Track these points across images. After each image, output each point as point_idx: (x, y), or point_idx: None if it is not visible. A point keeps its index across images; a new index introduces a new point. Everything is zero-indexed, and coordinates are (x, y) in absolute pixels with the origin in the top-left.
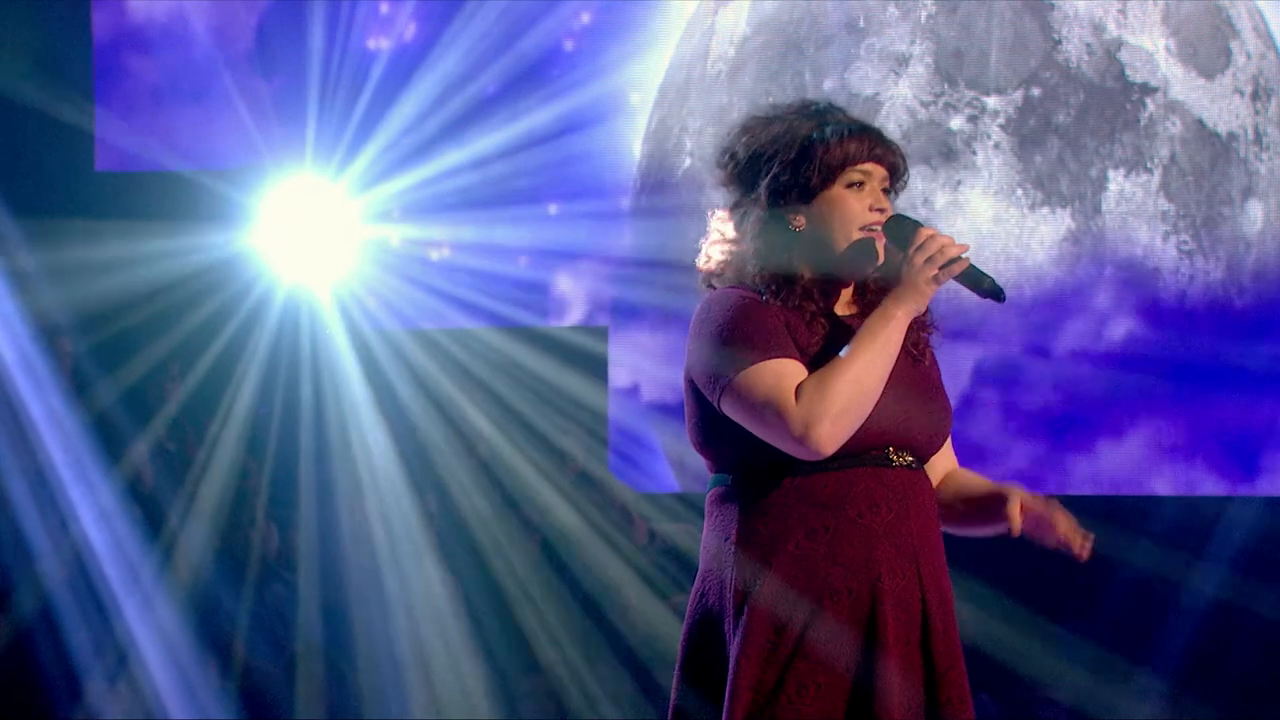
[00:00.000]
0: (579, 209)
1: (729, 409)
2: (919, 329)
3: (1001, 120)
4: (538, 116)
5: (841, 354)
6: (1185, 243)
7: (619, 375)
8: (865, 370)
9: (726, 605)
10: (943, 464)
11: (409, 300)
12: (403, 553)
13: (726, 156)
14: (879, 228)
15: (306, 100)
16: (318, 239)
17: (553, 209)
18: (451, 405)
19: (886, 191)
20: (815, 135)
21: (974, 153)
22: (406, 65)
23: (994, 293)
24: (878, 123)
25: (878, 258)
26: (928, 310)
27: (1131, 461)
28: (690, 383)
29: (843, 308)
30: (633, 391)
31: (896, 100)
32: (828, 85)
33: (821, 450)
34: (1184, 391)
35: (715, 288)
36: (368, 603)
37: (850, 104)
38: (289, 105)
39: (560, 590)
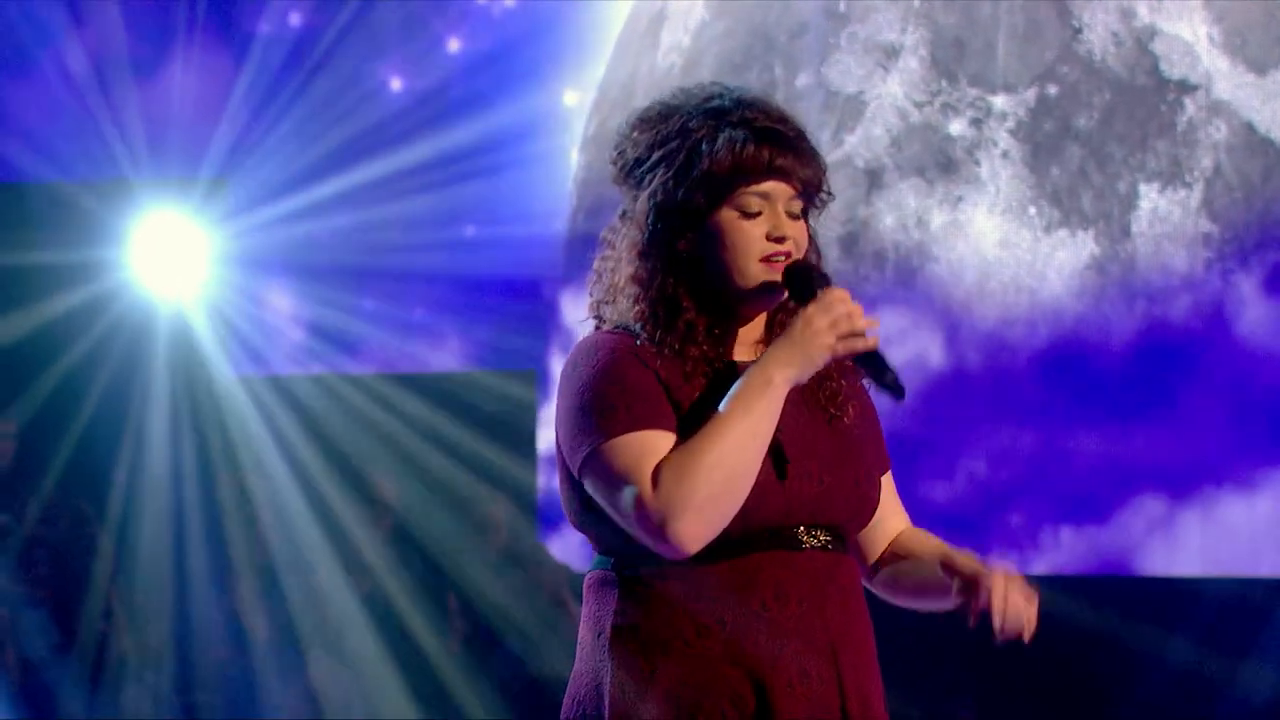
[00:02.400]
0: (503, 232)
1: (588, 484)
2: (834, 377)
3: (1011, 124)
4: (452, 122)
5: (707, 428)
6: (1232, 271)
7: (549, 430)
8: (733, 451)
9: (603, 715)
10: (891, 525)
11: (290, 340)
12: (284, 648)
13: (617, 150)
14: (781, 259)
15: (184, 109)
16: (185, 268)
17: (470, 231)
18: (351, 465)
19: (796, 216)
20: (705, 143)
21: (978, 163)
22: (296, 61)
23: (894, 389)
24: (862, 126)
25: (779, 291)
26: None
27: (1160, 542)
28: (558, 447)
29: (744, 352)
30: None
31: (885, 100)
32: (802, 81)
33: (684, 548)
34: (1234, 453)
35: (600, 320)
36: (239, 705)
37: (829, 103)
38: (159, 115)
39: (485, 690)
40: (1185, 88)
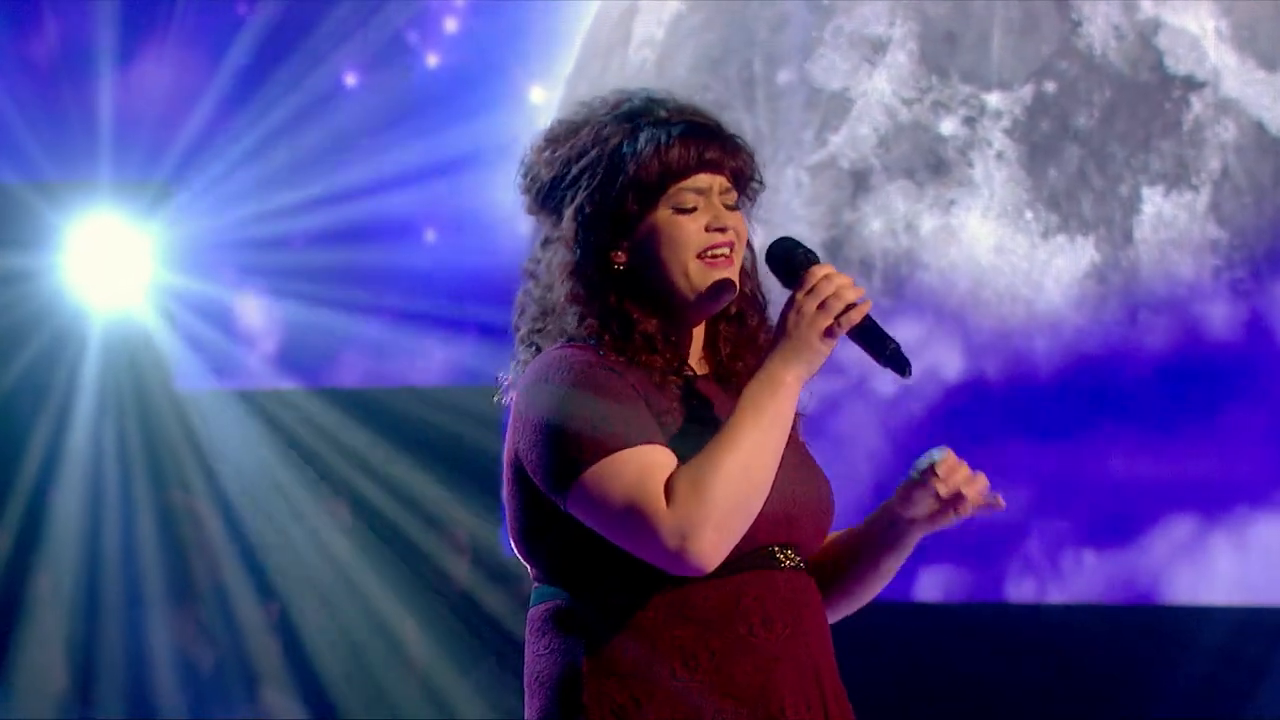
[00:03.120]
0: (466, 238)
1: (579, 512)
2: None
3: (1006, 123)
4: (411, 119)
5: (721, 436)
6: (1242, 282)
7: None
8: (754, 457)
9: None
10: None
11: (240, 353)
12: (232, 681)
13: (528, 176)
14: (725, 251)
15: (146, 108)
16: (125, 275)
17: (430, 236)
18: (306, 487)
19: (733, 207)
20: (625, 147)
21: (971, 164)
22: (254, 58)
23: (896, 362)
24: (847, 125)
25: (730, 289)
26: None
27: (1175, 571)
28: (515, 470)
29: (693, 364)
30: None
31: (871, 97)
32: (784, 78)
33: (704, 565)
34: (1245, 481)
35: (537, 347)
36: None
37: (813, 100)
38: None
39: None
40: (1191, 84)
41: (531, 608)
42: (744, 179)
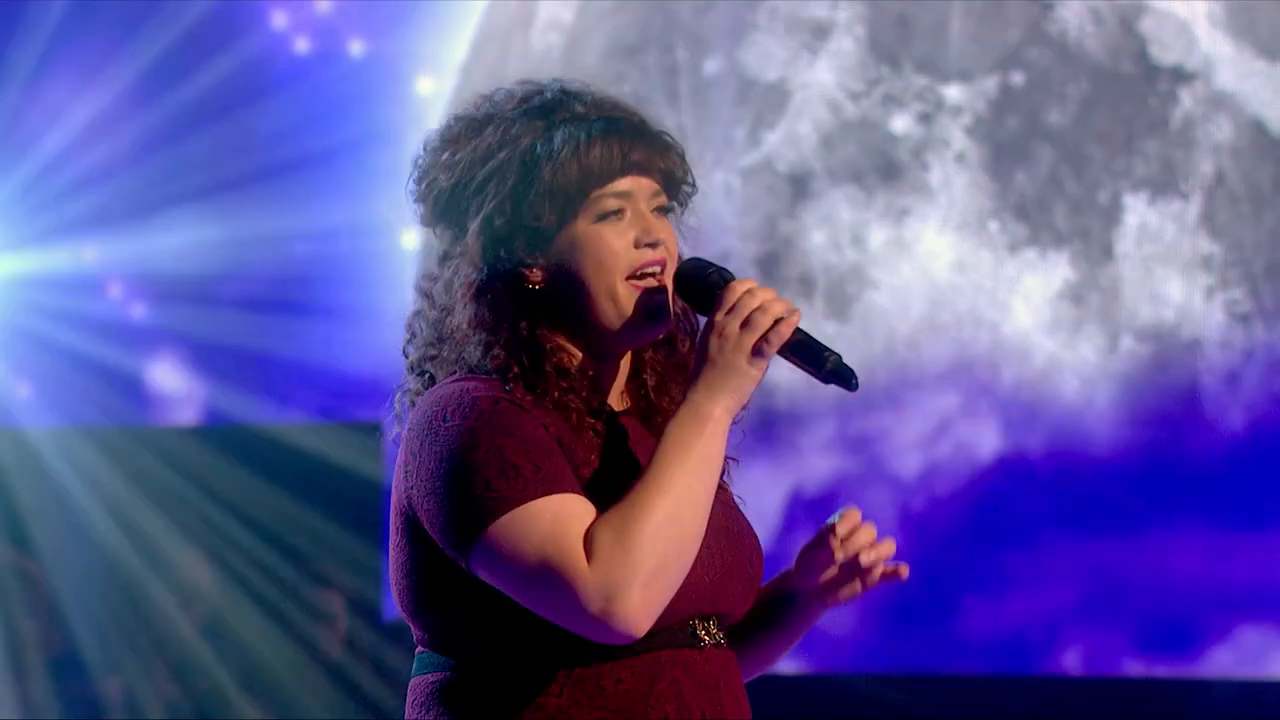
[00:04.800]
0: (341, 245)
1: (485, 572)
2: None
3: (967, 120)
4: (274, 118)
5: (645, 481)
6: (1237, 302)
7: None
8: (683, 504)
9: None
10: None
11: (73, 387)
12: None
13: (424, 183)
14: (657, 270)
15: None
16: None
17: (299, 248)
18: (153, 538)
19: (663, 210)
20: (539, 147)
21: (927, 168)
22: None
23: (840, 375)
24: (784, 121)
25: (665, 315)
26: None
27: (1161, 636)
28: (406, 519)
29: (617, 400)
30: None
31: (812, 90)
32: (711, 67)
33: (631, 630)
34: (1241, 529)
35: (428, 381)
36: None
37: (745, 92)
38: None
39: None
40: (1180, 76)
41: (414, 676)
42: (674, 182)
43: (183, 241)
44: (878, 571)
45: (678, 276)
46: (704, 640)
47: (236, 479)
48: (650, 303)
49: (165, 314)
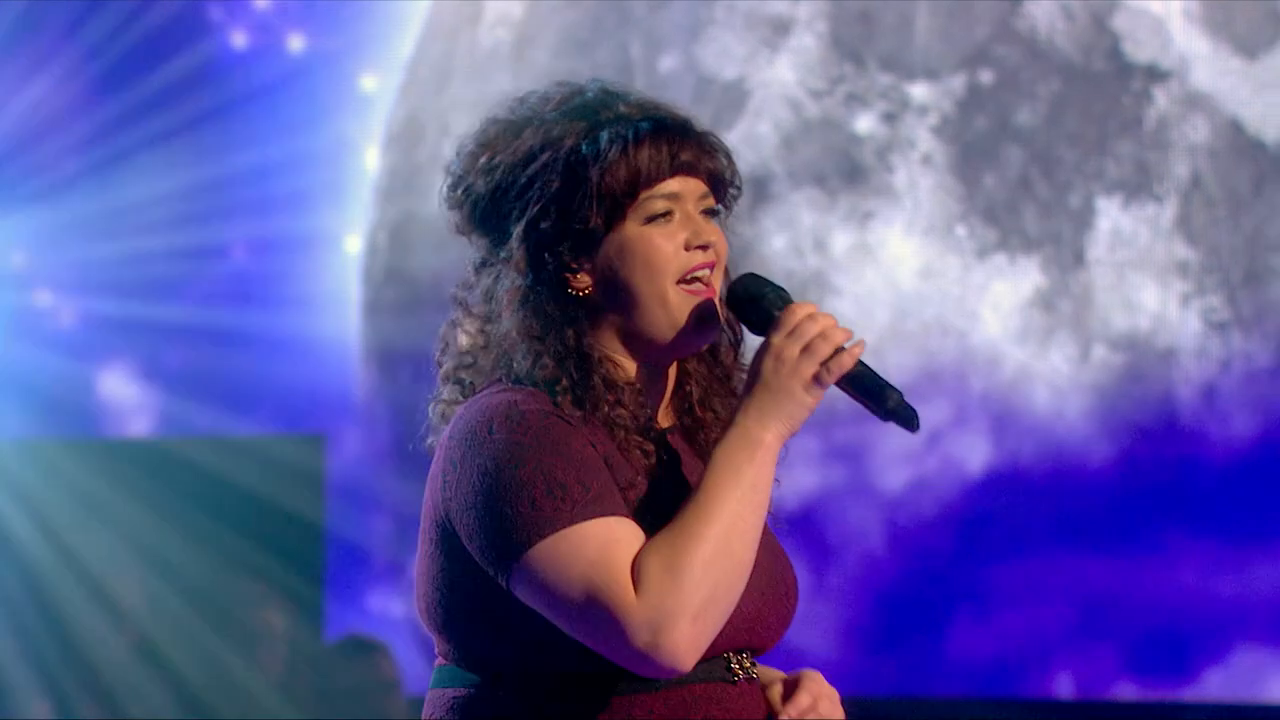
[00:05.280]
0: (281, 253)
1: (525, 593)
2: None
3: (934, 120)
4: (213, 110)
5: (694, 507)
6: (1214, 310)
7: (342, 506)
8: (733, 533)
9: None
10: None
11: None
12: None
13: (459, 189)
14: (706, 274)
15: None
16: None
17: (238, 255)
18: (82, 558)
19: (712, 213)
20: (585, 148)
21: (891, 170)
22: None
23: (901, 415)
24: (743, 121)
25: (715, 322)
26: None
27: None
28: (442, 530)
29: (661, 414)
30: (365, 525)
31: (772, 88)
32: (667, 64)
33: (679, 665)
34: (1214, 551)
35: (467, 390)
36: None
37: (702, 92)
38: None
39: None
40: (1155, 75)
41: (433, 689)
42: (721, 183)
43: (121, 249)
44: None
45: (732, 291)
46: (738, 675)
47: (172, 493)
48: (701, 309)
49: (101, 324)
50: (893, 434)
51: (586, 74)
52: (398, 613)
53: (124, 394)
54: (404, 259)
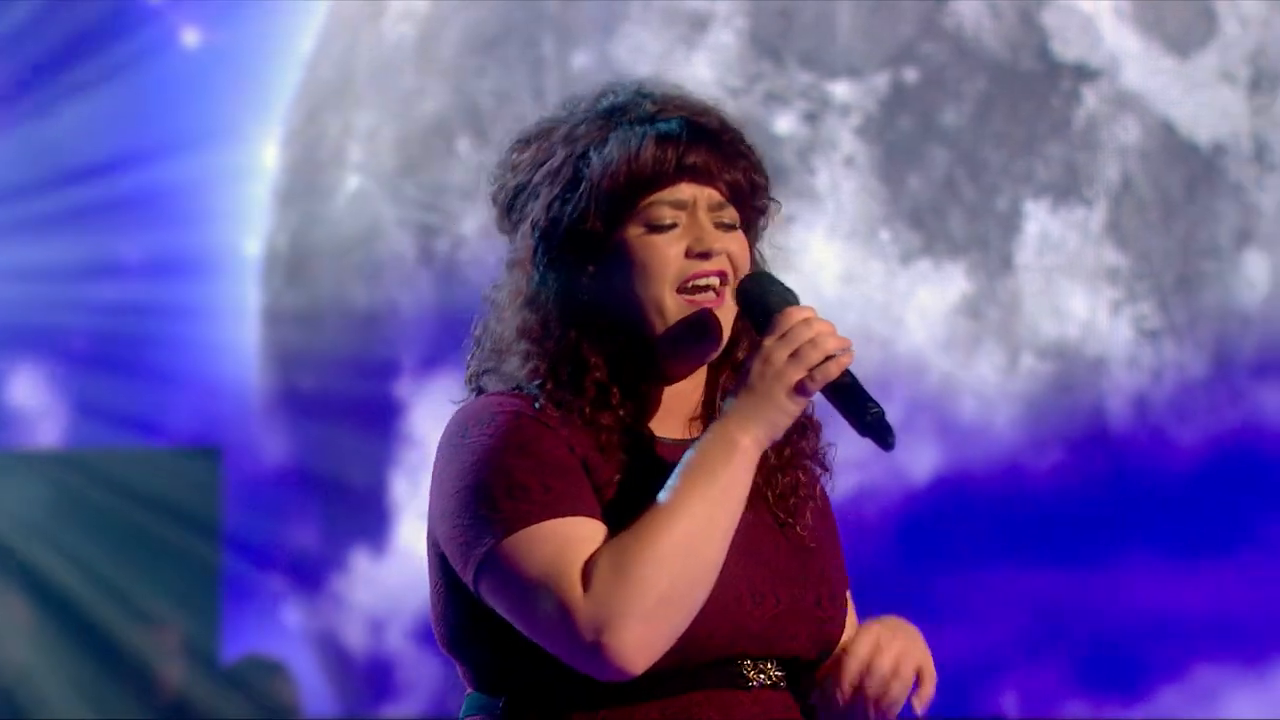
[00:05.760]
0: (173, 259)
1: (489, 594)
2: (788, 469)
3: (857, 120)
4: (107, 109)
5: (657, 507)
6: (1145, 317)
7: (239, 521)
8: (698, 536)
9: None
10: None
11: None
12: None
13: (494, 185)
14: (712, 283)
15: None
16: None
17: (131, 257)
18: None
19: (729, 225)
20: (593, 150)
21: (813, 171)
22: None
23: (877, 430)
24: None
25: (716, 334)
26: (805, 434)
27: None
28: (433, 546)
29: (675, 427)
30: (264, 540)
31: (689, 86)
32: (580, 61)
33: (626, 666)
34: (1143, 564)
35: (480, 391)
36: None
37: (614, 89)
38: None
39: None
40: (1084, 74)
41: (461, 718)
42: (744, 194)
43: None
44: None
45: (739, 291)
46: (753, 681)
47: (62, 506)
48: (701, 319)
49: None
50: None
51: (499, 73)
52: (299, 632)
53: (18, 404)
54: (305, 263)
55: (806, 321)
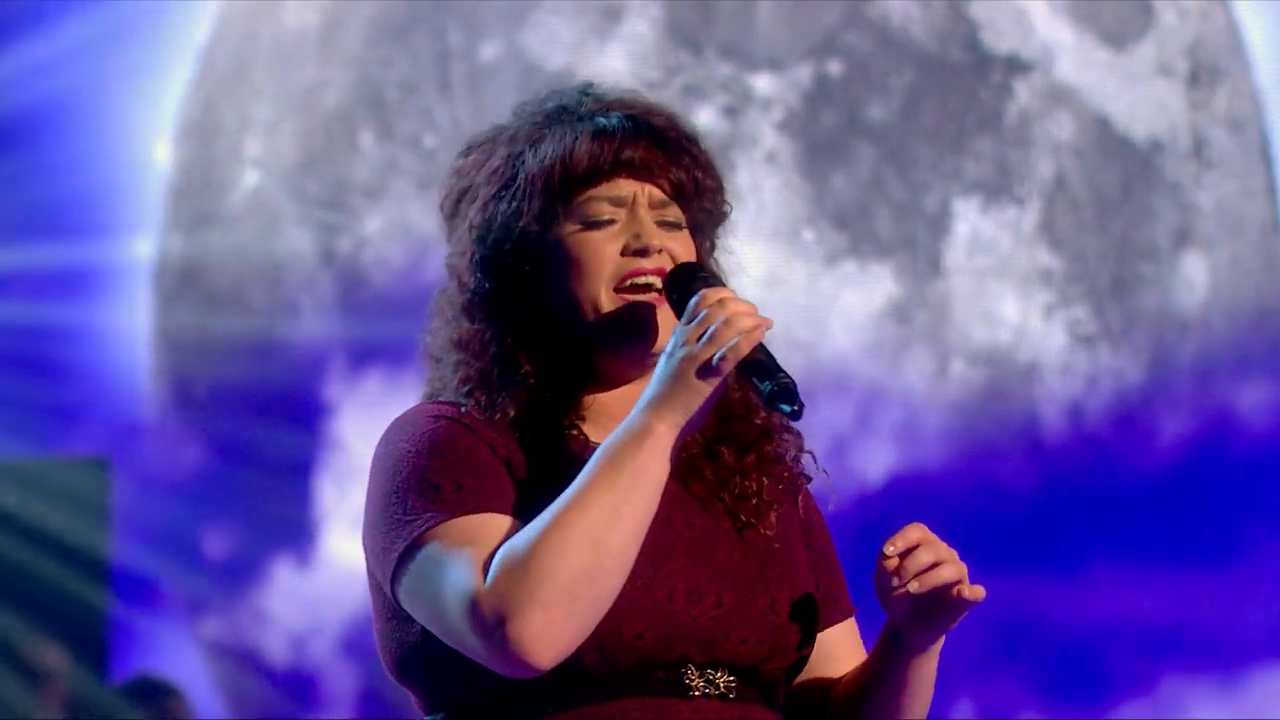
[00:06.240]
0: (57, 255)
1: (406, 600)
2: (748, 473)
3: (779, 114)
4: None
5: (563, 497)
6: (1079, 322)
7: (128, 536)
8: (606, 525)
9: None
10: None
11: None
12: None
13: (443, 193)
14: (652, 282)
15: None
16: None
17: (12, 256)
18: None
19: (673, 225)
20: (530, 147)
21: (733, 168)
22: None
23: (779, 399)
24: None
25: (649, 331)
26: (772, 439)
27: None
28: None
29: (611, 431)
30: (154, 556)
31: (603, 79)
32: (489, 52)
33: (529, 657)
34: (1075, 580)
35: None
36: None
37: (527, 81)
38: None
39: None
40: (1016, 67)
41: None
42: (688, 193)
43: None
44: (950, 592)
45: (665, 282)
46: (695, 690)
47: None
48: (635, 316)
49: None
50: None
51: (404, 62)
52: (191, 652)
53: None
54: (201, 264)
55: (721, 301)
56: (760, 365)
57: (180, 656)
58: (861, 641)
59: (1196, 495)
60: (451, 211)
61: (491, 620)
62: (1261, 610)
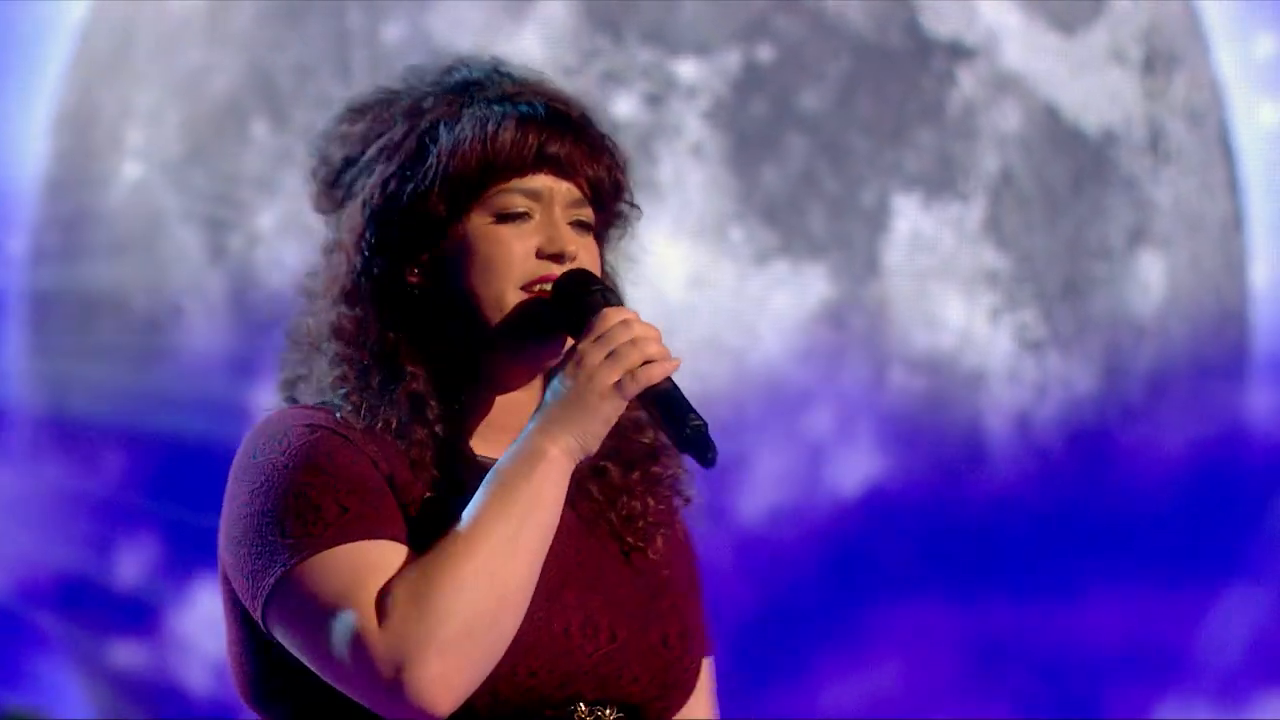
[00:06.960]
0: None
1: (279, 630)
2: (635, 493)
3: (705, 103)
4: None
5: (456, 529)
6: (1027, 326)
7: (14, 559)
8: (498, 556)
9: None
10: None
11: None
12: None
13: (316, 159)
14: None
15: None
16: None
17: None
18: None
19: (584, 226)
20: (442, 127)
21: (655, 161)
22: None
23: (697, 446)
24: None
25: (550, 329)
26: (658, 459)
27: None
28: (224, 581)
29: (500, 441)
30: (21, 578)
31: (515, 63)
32: (392, 34)
33: (428, 706)
34: (1020, 604)
35: (293, 402)
36: None
37: (466, 63)
38: None
39: None
40: (959, 53)
41: None
42: (603, 194)
43: None
44: None
45: (555, 288)
46: None
47: None
48: (536, 310)
49: None
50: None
51: (298, 47)
52: (65, 684)
53: None
54: (77, 264)
55: (626, 323)
56: (669, 399)
57: (52, 691)
58: (714, 684)
59: (1152, 510)
60: (332, 181)
61: (386, 665)
62: (1208, 628)
